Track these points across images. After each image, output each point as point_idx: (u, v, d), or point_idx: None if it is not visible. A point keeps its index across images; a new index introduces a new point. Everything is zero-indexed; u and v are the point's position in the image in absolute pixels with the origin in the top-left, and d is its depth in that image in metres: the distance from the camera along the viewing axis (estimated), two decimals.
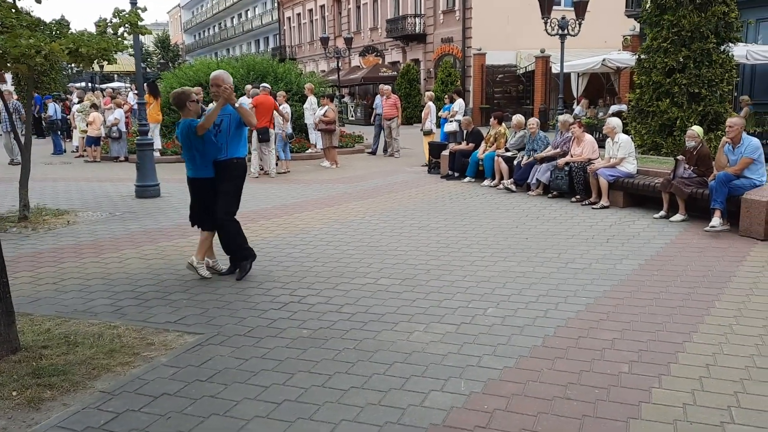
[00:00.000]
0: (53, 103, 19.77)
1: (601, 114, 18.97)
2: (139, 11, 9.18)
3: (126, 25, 8.70)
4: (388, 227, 8.07)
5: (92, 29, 8.99)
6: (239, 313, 4.95)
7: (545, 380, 3.74)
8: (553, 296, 5.31)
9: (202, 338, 4.43)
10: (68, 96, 23.93)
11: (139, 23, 8.69)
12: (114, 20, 8.59)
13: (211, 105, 8.95)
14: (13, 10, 8.03)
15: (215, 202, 5.79)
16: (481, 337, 4.44)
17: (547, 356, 4.11)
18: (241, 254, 5.96)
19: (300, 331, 4.58)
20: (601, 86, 23.70)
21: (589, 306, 5.06)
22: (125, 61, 49.73)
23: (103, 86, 37.73)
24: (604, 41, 25.32)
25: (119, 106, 16.65)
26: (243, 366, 3.99)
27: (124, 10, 8.84)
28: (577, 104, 20.88)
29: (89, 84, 41.17)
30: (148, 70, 53.71)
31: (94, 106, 17.23)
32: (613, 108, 18.68)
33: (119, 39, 8.47)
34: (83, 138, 17.38)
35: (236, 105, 5.86)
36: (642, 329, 4.55)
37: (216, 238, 6.01)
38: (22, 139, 8.92)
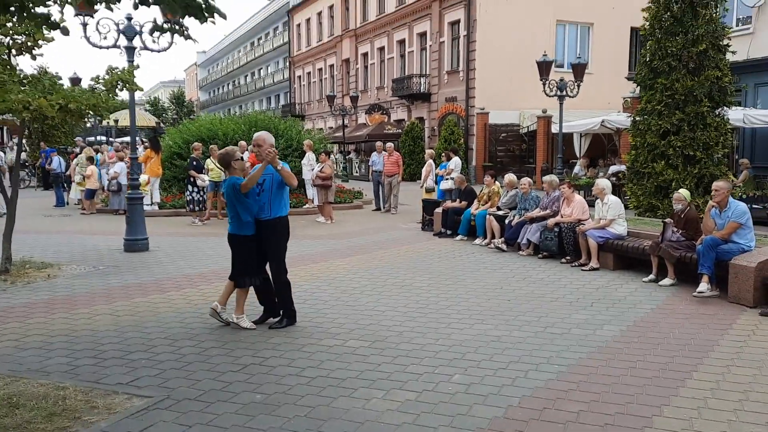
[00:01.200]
0: (57, 157, 20.02)
1: (601, 174, 18.92)
2: (133, 69, 9.38)
3: (119, 82, 8.86)
4: (369, 285, 7.92)
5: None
6: (195, 375, 4.79)
7: None
8: (524, 363, 5.11)
9: (150, 402, 4.27)
10: (74, 150, 24.24)
11: (131, 80, 8.82)
12: (106, 77, 8.74)
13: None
14: (8, 67, 8.20)
15: (259, 261, 6.17)
16: (440, 406, 4.24)
17: (506, 429, 3.90)
18: (287, 313, 6.20)
19: (254, 395, 4.41)
20: (603, 146, 23.77)
21: (561, 374, 4.86)
22: (140, 116, 50.83)
23: (119, 140, 38.44)
24: (607, 102, 25.56)
25: (121, 159, 16.82)
26: None
27: (117, 68, 9.00)
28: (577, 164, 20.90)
29: (105, 138, 41.97)
30: (162, 125, 54.75)
31: (91, 159, 17.39)
32: (613, 168, 18.66)
33: (110, 95, 8.58)
34: (83, 191, 17.53)
35: (279, 167, 5.96)
36: (611, 401, 4.34)
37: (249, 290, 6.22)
38: (9, 192, 8.92)
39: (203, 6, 4.57)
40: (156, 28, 5.02)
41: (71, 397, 4.29)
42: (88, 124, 41.10)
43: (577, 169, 20.43)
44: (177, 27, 4.97)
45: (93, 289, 7.75)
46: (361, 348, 5.47)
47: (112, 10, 5.00)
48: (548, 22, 28.35)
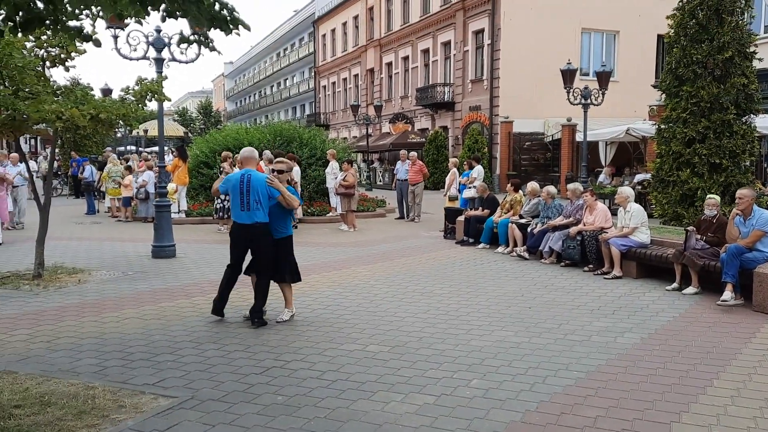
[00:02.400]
0: (89, 166, 20.49)
1: (626, 182, 18.78)
2: (162, 80, 9.62)
3: (148, 93, 9.09)
4: (391, 292, 8.00)
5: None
6: (219, 377, 4.91)
7: None
8: (543, 369, 5.14)
9: (175, 402, 4.39)
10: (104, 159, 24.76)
11: (159, 90, 9.05)
12: (135, 88, 8.98)
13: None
14: (42, 78, 8.47)
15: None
16: (458, 410, 4.30)
17: None
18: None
19: (275, 397, 4.51)
20: (629, 155, 23.58)
21: (579, 381, 4.88)
22: (169, 126, 51.69)
23: (148, 149, 39.15)
24: (633, 110, 25.38)
25: (150, 168, 17.16)
26: None
27: (146, 78, 9.24)
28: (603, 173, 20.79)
29: (135, 147, 42.78)
30: (190, 134, 55.57)
31: (129, 168, 17.82)
32: (639, 177, 18.49)
33: (139, 105, 8.81)
34: (113, 199, 17.94)
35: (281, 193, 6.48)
36: (630, 407, 4.35)
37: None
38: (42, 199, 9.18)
39: (228, 18, 4.73)
40: (183, 39, 5.18)
41: (100, 396, 4.43)
42: (118, 134, 42.01)
43: (602, 177, 20.32)
44: (203, 39, 5.12)
45: (121, 293, 7.95)
46: (380, 353, 5.54)
47: (141, 23, 5.19)
48: (573, 30, 28.26)
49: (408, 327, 6.39)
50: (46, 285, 8.30)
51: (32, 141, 43.95)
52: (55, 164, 29.15)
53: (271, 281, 6.60)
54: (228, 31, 4.73)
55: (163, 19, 4.67)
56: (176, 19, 4.73)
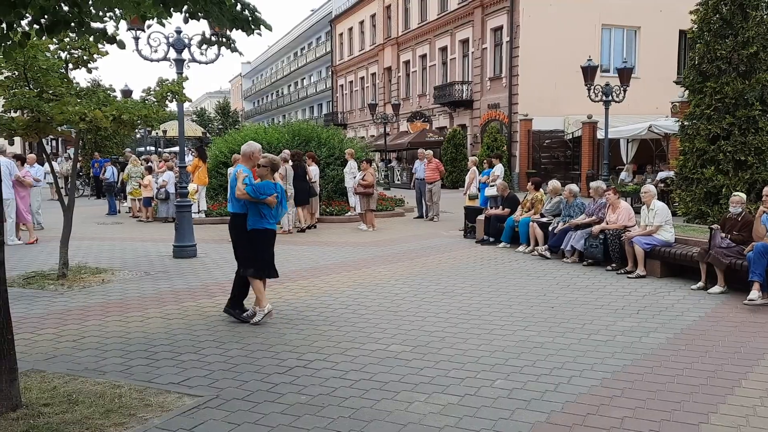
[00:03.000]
0: (111, 167, 20.70)
1: (648, 180, 18.58)
2: (182, 81, 9.68)
3: (169, 93, 9.15)
4: (412, 292, 7.98)
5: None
6: (243, 376, 4.93)
7: None
8: (568, 369, 5.09)
9: (200, 401, 4.41)
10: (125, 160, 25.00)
11: (180, 91, 9.11)
12: (156, 89, 9.04)
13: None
14: (66, 80, 8.56)
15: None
16: (483, 410, 4.27)
17: None
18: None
19: (299, 396, 4.52)
20: (651, 152, 23.34)
21: (605, 381, 4.83)
22: (188, 127, 52.20)
23: (167, 150, 39.52)
24: (655, 107, 25.09)
25: (170, 169, 17.30)
26: (233, 431, 3.94)
27: (167, 79, 9.31)
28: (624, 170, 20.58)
29: (154, 148, 43.20)
30: (208, 135, 55.97)
31: (149, 169, 17.98)
32: (661, 174, 18.28)
33: (159, 106, 8.88)
34: (133, 199, 18.13)
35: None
36: (657, 408, 4.29)
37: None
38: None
39: (250, 19, 4.74)
40: (204, 41, 5.21)
41: (126, 395, 4.47)
42: (138, 135, 42.45)
43: (623, 175, 20.12)
44: (224, 40, 5.15)
45: (144, 293, 8.02)
46: (403, 352, 5.53)
47: (164, 25, 5.22)
48: (593, 27, 28.00)
49: (430, 327, 6.37)
50: (70, 285, 8.40)
51: (53, 142, 44.51)
52: (78, 165, 29.57)
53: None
54: (250, 32, 4.75)
55: (186, 21, 4.70)
56: (198, 20, 4.76)
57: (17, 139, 9.53)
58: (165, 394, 4.53)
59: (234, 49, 5.49)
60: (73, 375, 4.91)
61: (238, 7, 4.64)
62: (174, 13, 4.71)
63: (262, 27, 4.77)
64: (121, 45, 4.81)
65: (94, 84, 25.47)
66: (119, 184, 20.27)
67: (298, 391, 4.63)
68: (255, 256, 6.56)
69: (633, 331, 6.22)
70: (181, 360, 5.33)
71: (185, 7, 4.48)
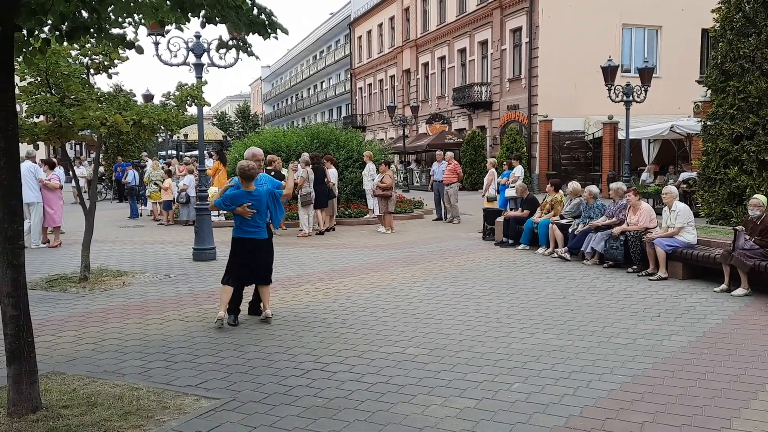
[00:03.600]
0: (132, 170, 20.94)
1: (670, 181, 18.34)
2: (202, 85, 9.75)
3: (188, 98, 9.23)
4: (429, 295, 7.95)
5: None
6: (260, 379, 4.94)
7: None
8: (587, 373, 5.03)
9: (217, 403, 4.43)
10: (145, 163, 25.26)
11: (199, 96, 9.18)
12: (176, 93, 9.12)
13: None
14: (87, 85, 8.67)
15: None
16: (500, 414, 4.24)
17: None
18: None
19: (315, 399, 4.52)
20: (673, 153, 23.05)
21: (625, 384, 4.76)
22: (208, 130, 52.72)
23: (188, 153, 39.85)
24: (677, 107, 24.79)
25: (191, 172, 17.45)
26: None
27: (186, 84, 9.39)
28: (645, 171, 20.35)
29: (176, 151, 43.59)
30: (228, 138, 56.40)
31: (168, 173, 18.16)
32: (684, 175, 18.02)
33: (179, 110, 8.95)
34: (154, 203, 18.32)
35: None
36: (678, 412, 4.22)
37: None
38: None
39: (266, 23, 4.75)
40: (221, 44, 5.24)
41: (144, 397, 4.50)
42: (160, 139, 42.86)
43: (644, 176, 19.88)
44: (241, 44, 5.17)
45: (164, 296, 8.08)
46: (420, 355, 5.51)
47: (182, 29, 5.26)
48: (614, 26, 27.74)
49: (447, 329, 6.34)
50: (91, 287, 8.50)
51: (77, 147, 45.15)
52: (100, 169, 29.99)
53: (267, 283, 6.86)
54: (266, 36, 4.76)
55: (203, 25, 4.73)
56: (216, 24, 4.79)
57: (41, 144, 9.63)
58: (182, 397, 4.55)
59: (251, 53, 5.51)
60: (92, 377, 4.96)
61: (255, 11, 4.66)
62: (192, 18, 4.76)
63: (278, 31, 4.79)
64: (140, 50, 4.86)
65: (116, 89, 25.86)
66: (140, 187, 20.49)
67: (314, 394, 4.63)
68: (229, 260, 6.69)
69: (654, 333, 6.13)
70: (199, 362, 5.36)
71: (203, 12, 4.52)
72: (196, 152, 42.35)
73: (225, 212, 16.36)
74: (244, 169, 6.47)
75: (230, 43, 5.21)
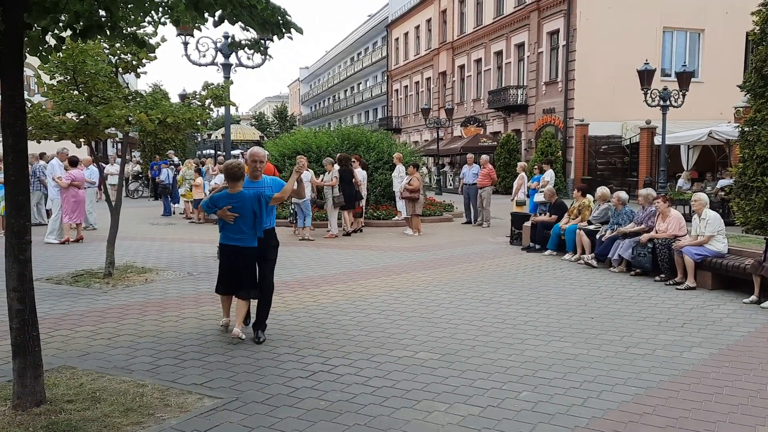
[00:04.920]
0: (167, 169, 21.28)
1: (708, 188, 17.84)
2: (228, 85, 9.84)
3: (213, 97, 9.32)
4: (448, 299, 7.85)
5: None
6: (265, 379, 4.93)
7: None
8: (599, 383, 4.89)
9: (219, 402, 4.43)
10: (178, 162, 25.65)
11: (224, 96, 9.25)
12: (202, 93, 9.22)
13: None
14: (114, 84, 8.81)
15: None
16: (503, 423, 4.13)
17: None
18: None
19: (318, 402, 4.48)
20: (713, 159, 22.44)
21: (638, 397, 4.61)
22: (246, 131, 53.41)
23: (223, 153, 40.30)
24: (719, 112, 24.12)
25: (221, 171, 17.67)
26: None
27: (213, 84, 9.48)
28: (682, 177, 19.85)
29: (213, 151, 44.21)
30: (265, 138, 57.02)
31: (198, 171, 18.40)
32: (722, 182, 17.49)
33: (204, 109, 9.05)
34: (186, 201, 18.58)
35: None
36: (690, 427, 4.06)
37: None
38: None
39: (281, 22, 4.74)
40: (234, 44, 5.25)
41: (148, 394, 4.52)
42: (198, 138, 43.51)
43: (681, 182, 19.39)
44: (254, 43, 5.18)
45: (184, 293, 8.16)
46: (430, 360, 5.43)
47: (200, 29, 5.29)
48: (654, 29, 27.16)
49: (462, 335, 6.24)
50: (114, 283, 8.63)
51: (119, 145, 46.12)
52: (138, 167, 30.59)
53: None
54: (281, 35, 4.75)
55: (215, 25, 4.74)
56: (233, 23, 4.80)
57: (71, 142, 9.80)
58: (186, 395, 4.56)
59: (264, 53, 5.55)
60: (101, 372, 5.01)
61: (269, 11, 4.65)
62: (209, 18, 4.77)
63: (293, 30, 4.78)
64: (151, 49, 4.91)
65: (154, 88, 26.32)
66: (172, 186, 20.79)
67: (318, 396, 4.59)
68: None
69: (675, 345, 5.93)
70: (208, 361, 5.38)
71: (218, 12, 4.53)
72: (236, 152, 42.79)
73: None
74: (228, 168, 5.93)
75: (243, 42, 5.23)
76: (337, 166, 14.07)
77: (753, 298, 7.58)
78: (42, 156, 15.82)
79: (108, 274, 8.96)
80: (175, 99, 13.33)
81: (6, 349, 5.43)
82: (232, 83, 9.95)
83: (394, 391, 4.69)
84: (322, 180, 14.15)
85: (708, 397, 4.60)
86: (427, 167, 32.28)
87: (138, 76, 9.16)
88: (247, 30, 4.97)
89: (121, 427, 3.97)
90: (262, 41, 5.35)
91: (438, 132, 32.03)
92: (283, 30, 4.76)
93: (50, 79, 8.19)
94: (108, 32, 4.57)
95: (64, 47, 5.55)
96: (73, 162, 12.85)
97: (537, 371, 5.16)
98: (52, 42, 4.75)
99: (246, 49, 5.30)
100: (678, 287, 8.52)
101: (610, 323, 6.73)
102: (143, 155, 31.62)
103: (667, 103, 16.82)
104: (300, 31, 4.87)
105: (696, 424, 4.12)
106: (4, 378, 4.73)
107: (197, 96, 9.15)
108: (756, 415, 4.26)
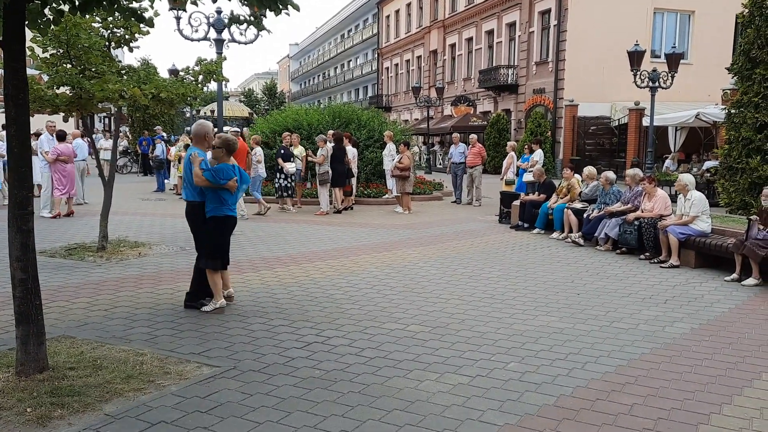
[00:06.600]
0: (161, 144, 21.16)
1: (694, 170, 18.08)
2: (221, 61, 9.84)
3: (206, 73, 9.33)
4: (438, 275, 8.01)
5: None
6: (262, 350, 5.07)
7: None
8: (584, 355, 5.07)
9: (217, 371, 4.56)
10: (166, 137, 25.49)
11: (218, 71, 9.27)
12: (195, 68, 9.23)
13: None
14: (107, 58, 8.80)
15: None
16: (492, 391, 4.30)
17: (554, 416, 3.93)
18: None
19: (313, 371, 4.62)
20: (700, 141, 22.67)
21: (620, 368, 4.80)
22: (235, 107, 53.04)
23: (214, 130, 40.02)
24: (707, 94, 24.30)
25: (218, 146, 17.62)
26: (245, 401, 4.07)
27: (205, 59, 9.48)
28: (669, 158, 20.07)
29: None
30: (254, 115, 56.69)
31: (186, 147, 18.35)
32: (708, 164, 17.72)
33: (197, 85, 9.07)
34: (180, 176, 18.54)
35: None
36: (669, 396, 4.25)
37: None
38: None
39: None
40: (234, 20, 5.30)
41: (148, 362, 4.65)
42: (187, 114, 43.22)
43: (668, 163, 19.61)
44: (252, 19, 5.23)
45: (177, 267, 8.26)
46: (421, 333, 5.59)
47: (197, 4, 5.33)
48: (645, 10, 27.18)
49: (451, 309, 6.40)
50: (108, 257, 8.71)
51: (106, 120, 45.73)
52: (126, 143, 30.40)
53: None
54: (278, 11, 4.81)
55: (214, 0, 4.79)
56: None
57: (63, 114, 9.78)
58: (185, 363, 4.70)
59: (262, 28, 5.58)
60: (100, 342, 5.13)
61: None
62: None
63: (289, 6, 4.83)
64: (150, 23, 4.94)
65: (143, 63, 26.08)
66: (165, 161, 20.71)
67: (313, 365, 4.74)
68: (212, 243, 6.12)
69: (657, 320, 6.13)
70: (204, 332, 5.51)
71: None
72: (224, 128, 42.08)
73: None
74: (230, 141, 6.10)
75: (240, 17, 5.28)
76: (330, 144, 14.13)
77: (734, 276, 7.80)
78: (38, 136, 15.73)
79: (101, 247, 9.03)
80: (164, 74, 13.30)
81: (5, 319, 5.55)
82: (225, 59, 9.95)
83: (386, 362, 4.84)
84: (309, 155, 14.30)
85: (687, 368, 4.79)
86: (417, 146, 32.32)
87: (131, 50, 9.13)
88: (245, 4, 5.03)
89: (123, 393, 4.10)
90: (261, 16, 5.35)
91: (428, 111, 32.03)
92: (280, 6, 4.81)
93: (43, 53, 8.17)
94: (107, 5, 4.60)
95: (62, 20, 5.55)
96: (61, 136, 12.80)
97: (524, 344, 5.34)
98: (50, 15, 4.78)
99: (244, 24, 5.33)
100: (662, 265, 8.72)
101: (596, 299, 6.92)
102: (132, 130, 31.41)
103: (656, 84, 16.97)
104: (297, 7, 4.92)
105: (676, 393, 4.31)
106: (6, 346, 4.84)
107: (190, 71, 9.15)
108: (733, 385, 4.46)
